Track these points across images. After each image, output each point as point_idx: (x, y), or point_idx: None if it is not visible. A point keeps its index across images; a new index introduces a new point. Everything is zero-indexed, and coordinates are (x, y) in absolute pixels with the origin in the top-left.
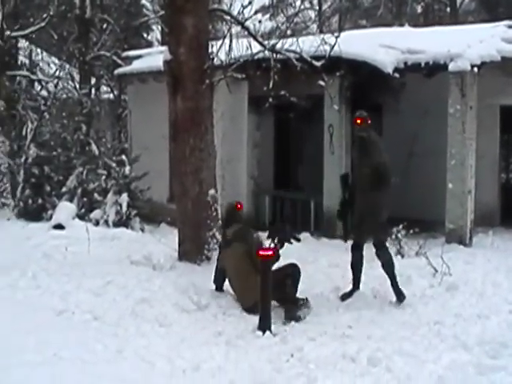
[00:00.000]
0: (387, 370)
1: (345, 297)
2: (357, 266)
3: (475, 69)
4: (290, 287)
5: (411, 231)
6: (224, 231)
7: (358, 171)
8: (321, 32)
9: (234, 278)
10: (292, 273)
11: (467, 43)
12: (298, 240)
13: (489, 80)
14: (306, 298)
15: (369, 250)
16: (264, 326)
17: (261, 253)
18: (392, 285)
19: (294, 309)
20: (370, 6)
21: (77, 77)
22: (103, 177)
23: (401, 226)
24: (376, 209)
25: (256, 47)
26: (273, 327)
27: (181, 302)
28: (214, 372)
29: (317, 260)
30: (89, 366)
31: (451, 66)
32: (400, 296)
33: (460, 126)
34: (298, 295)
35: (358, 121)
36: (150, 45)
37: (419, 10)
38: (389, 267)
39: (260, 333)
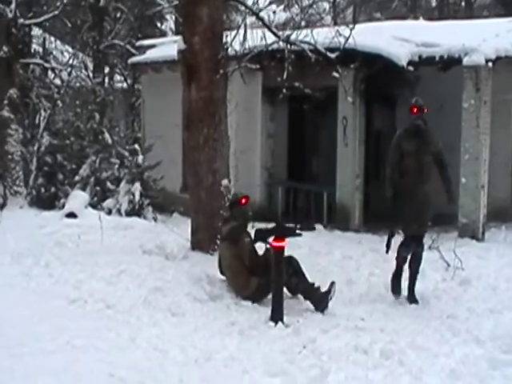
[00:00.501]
0: (400, 363)
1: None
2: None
3: (490, 63)
4: (294, 278)
5: None
6: (220, 226)
7: (417, 160)
8: (335, 24)
9: (226, 273)
10: (290, 263)
11: (482, 37)
12: (313, 229)
13: (504, 75)
14: (333, 282)
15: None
16: (276, 317)
17: (274, 244)
18: (411, 281)
19: (318, 298)
20: None
21: (90, 65)
22: (116, 166)
23: None
24: (432, 197)
25: (270, 38)
26: (285, 318)
27: (194, 291)
28: (226, 362)
29: (330, 252)
30: (102, 354)
31: (466, 60)
32: (412, 297)
33: (474, 121)
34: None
35: (415, 109)
36: (163, 34)
37: (434, 3)
38: (419, 262)
39: (272, 324)
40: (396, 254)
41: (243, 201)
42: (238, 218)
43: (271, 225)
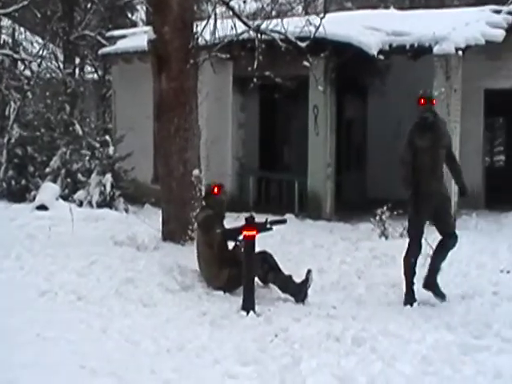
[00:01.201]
0: (372, 350)
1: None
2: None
3: (460, 52)
4: (271, 274)
5: (395, 212)
6: (196, 213)
7: (432, 154)
8: (306, 14)
9: (199, 262)
10: (265, 260)
11: (452, 26)
12: (283, 222)
13: (473, 63)
14: (309, 270)
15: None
16: (248, 306)
17: (244, 233)
18: (430, 273)
19: (296, 289)
20: None
21: (61, 56)
22: (87, 157)
23: (385, 208)
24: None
25: (241, 27)
26: (257, 308)
27: (165, 282)
28: (198, 351)
29: (302, 241)
30: (72, 346)
31: (436, 49)
32: (437, 289)
33: (445, 109)
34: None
35: (422, 100)
36: (134, 25)
37: None
38: (445, 256)
39: (244, 313)
40: (403, 262)
41: (215, 190)
42: (214, 207)
43: (241, 219)
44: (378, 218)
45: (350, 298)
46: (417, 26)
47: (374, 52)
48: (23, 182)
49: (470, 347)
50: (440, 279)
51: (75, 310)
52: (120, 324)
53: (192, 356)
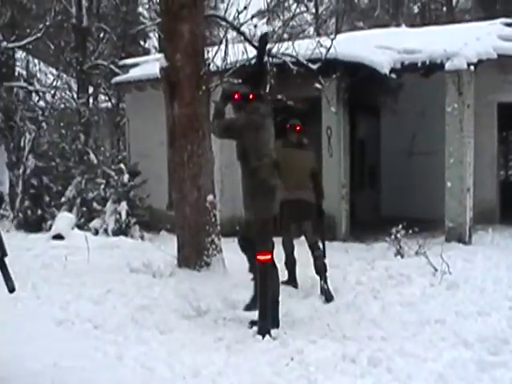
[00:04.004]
0: (388, 370)
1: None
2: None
3: (472, 67)
4: None
5: (411, 231)
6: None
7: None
8: (318, 35)
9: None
10: None
11: (464, 41)
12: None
13: (486, 78)
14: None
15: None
16: (264, 330)
17: (259, 257)
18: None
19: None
20: (367, 7)
21: (74, 86)
22: (102, 186)
23: (400, 226)
24: None
25: (252, 52)
26: (273, 331)
27: (181, 308)
28: (214, 377)
29: None
30: (88, 374)
31: (448, 65)
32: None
33: (458, 125)
34: None
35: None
36: (147, 52)
37: (416, 10)
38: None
39: (260, 337)
40: None
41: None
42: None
43: None
44: (393, 236)
45: (365, 318)
46: (428, 42)
47: (386, 71)
48: (39, 211)
49: (487, 364)
50: (455, 296)
51: (91, 339)
52: (136, 351)
53: (208, 382)
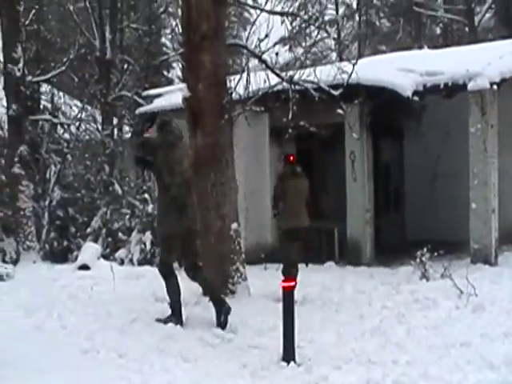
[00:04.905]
0: None
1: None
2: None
3: (495, 86)
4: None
5: (436, 253)
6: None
7: None
8: (341, 60)
9: None
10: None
11: (486, 61)
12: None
13: (510, 96)
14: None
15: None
16: (288, 356)
17: (283, 284)
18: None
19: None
20: (389, 30)
21: (99, 118)
22: (127, 216)
23: (425, 249)
24: None
25: (274, 79)
26: (297, 357)
27: (205, 336)
28: None
29: (342, 288)
30: None
31: (470, 86)
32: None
33: (481, 145)
34: None
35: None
36: (170, 82)
37: (438, 31)
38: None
39: (284, 363)
40: None
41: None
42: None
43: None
44: (418, 259)
45: (390, 342)
46: (450, 63)
47: (409, 94)
48: (65, 243)
49: None
50: (481, 318)
51: (116, 368)
52: (160, 380)
53: None
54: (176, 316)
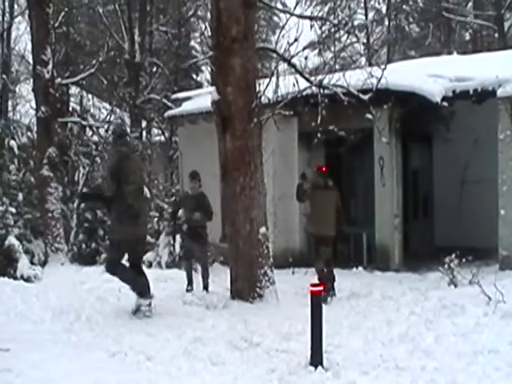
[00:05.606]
0: None
1: None
2: None
3: None
4: None
5: (464, 260)
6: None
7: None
8: (370, 65)
9: None
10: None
11: None
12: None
13: None
14: None
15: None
16: (316, 361)
17: (311, 289)
18: None
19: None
20: (419, 35)
21: (128, 120)
22: (155, 219)
23: (453, 255)
24: None
25: (303, 83)
26: (325, 362)
27: (234, 340)
28: None
29: (370, 293)
30: None
31: (500, 92)
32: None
33: (510, 152)
34: None
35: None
36: (199, 85)
37: (467, 37)
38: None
39: (312, 368)
40: None
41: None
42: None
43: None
44: (446, 266)
45: (418, 348)
46: (480, 70)
47: (438, 99)
48: (93, 245)
49: None
50: (510, 325)
51: (144, 371)
52: (188, 383)
53: None
54: (144, 291)
